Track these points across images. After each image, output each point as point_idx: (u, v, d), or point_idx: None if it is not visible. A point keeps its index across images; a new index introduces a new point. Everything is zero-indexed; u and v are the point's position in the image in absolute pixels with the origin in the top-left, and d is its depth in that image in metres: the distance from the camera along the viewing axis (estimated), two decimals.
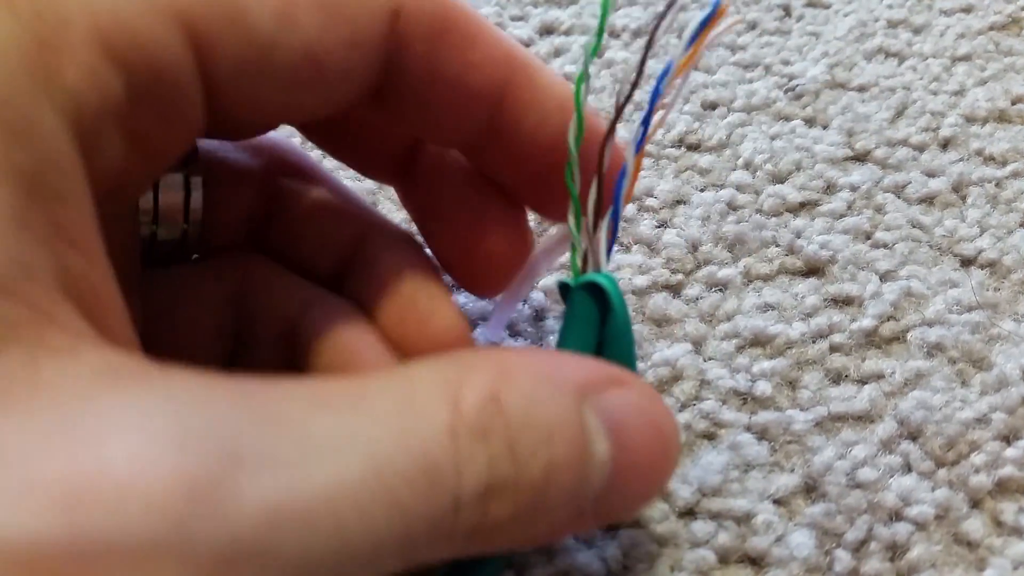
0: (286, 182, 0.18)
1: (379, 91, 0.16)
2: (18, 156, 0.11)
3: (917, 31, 0.30)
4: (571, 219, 0.16)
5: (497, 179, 0.18)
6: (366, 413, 0.12)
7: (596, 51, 0.16)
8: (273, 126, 0.17)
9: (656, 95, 0.16)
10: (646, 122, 0.16)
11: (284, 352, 0.17)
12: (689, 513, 0.19)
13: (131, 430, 0.10)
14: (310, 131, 0.19)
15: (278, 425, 0.11)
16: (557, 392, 0.14)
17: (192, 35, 0.13)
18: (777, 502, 0.19)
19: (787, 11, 0.30)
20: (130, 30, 0.12)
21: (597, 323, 0.17)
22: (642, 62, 0.15)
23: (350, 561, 0.11)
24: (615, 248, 0.21)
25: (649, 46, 0.15)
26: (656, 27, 0.15)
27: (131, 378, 0.11)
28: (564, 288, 0.17)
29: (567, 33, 0.29)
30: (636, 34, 0.29)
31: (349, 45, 0.14)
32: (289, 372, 0.17)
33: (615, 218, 0.16)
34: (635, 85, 0.16)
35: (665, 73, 0.16)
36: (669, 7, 0.15)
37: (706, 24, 0.16)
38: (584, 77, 0.16)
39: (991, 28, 0.30)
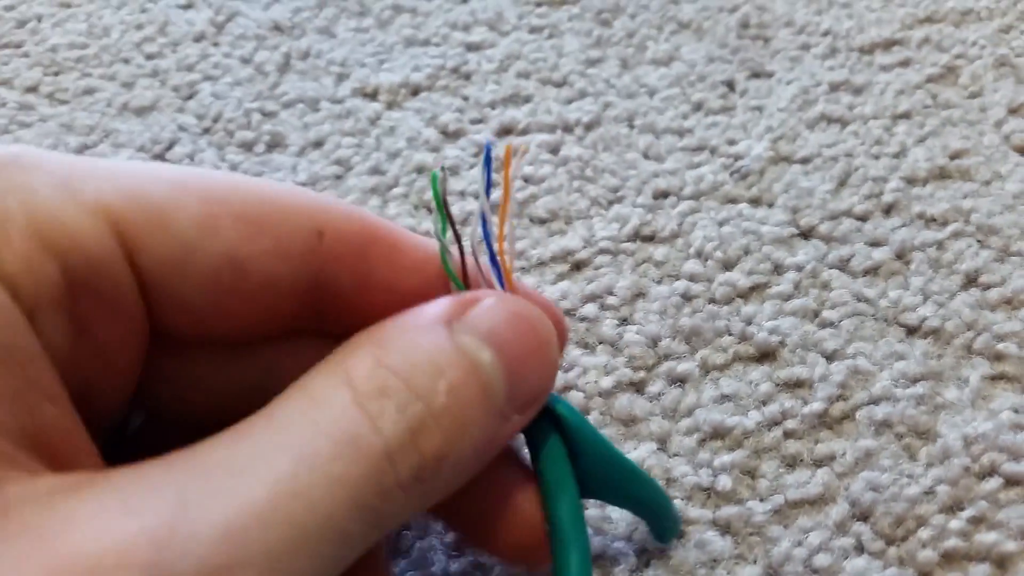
0: None
1: (312, 304, 0.17)
2: None
3: (858, 92, 0.32)
4: None
5: None
6: (280, 425, 0.14)
7: (444, 230, 0.17)
8: (213, 340, 0.18)
9: (488, 241, 0.18)
10: (493, 261, 0.18)
11: None
12: None
13: (89, 518, 0.13)
14: None
15: (208, 466, 0.13)
16: (427, 333, 0.16)
17: (120, 233, 0.15)
18: None
19: (731, 86, 0.32)
20: (64, 226, 0.14)
21: (559, 439, 0.18)
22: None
23: (318, 543, 0.13)
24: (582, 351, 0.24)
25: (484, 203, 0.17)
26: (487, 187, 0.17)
27: (80, 485, 0.13)
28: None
29: (524, 131, 0.31)
30: (588, 127, 0.31)
31: (272, 256, 0.16)
32: None
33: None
34: (461, 249, 0.18)
35: (484, 222, 0.17)
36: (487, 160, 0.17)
37: (488, 164, 0.17)
38: (445, 250, 0.18)
39: (928, 80, 0.32)
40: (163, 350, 0.17)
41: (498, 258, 0.18)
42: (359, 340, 0.16)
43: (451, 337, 0.16)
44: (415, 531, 0.22)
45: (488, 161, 0.17)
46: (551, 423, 0.18)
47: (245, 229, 0.16)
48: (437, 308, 0.16)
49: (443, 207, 0.17)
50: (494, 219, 0.18)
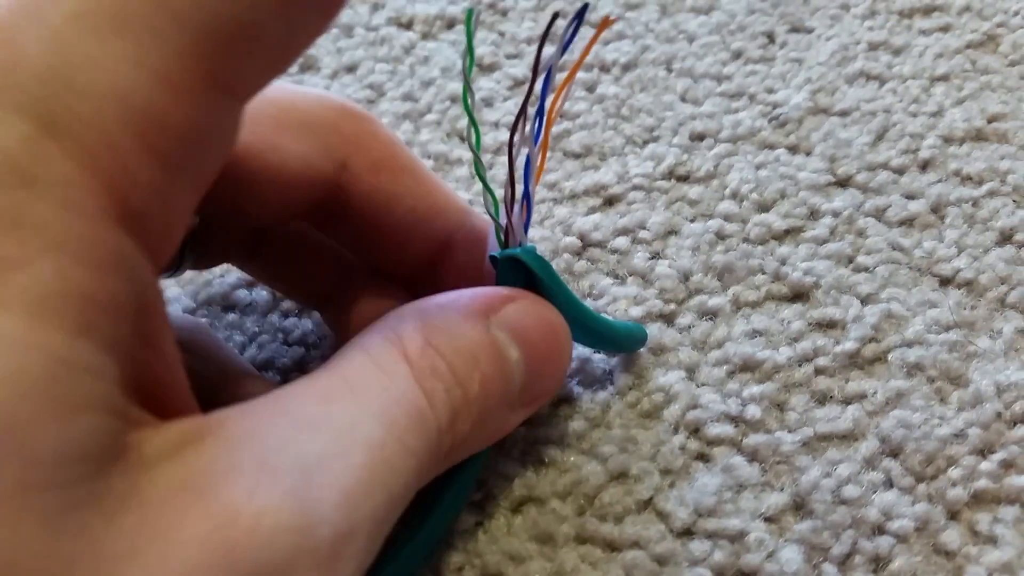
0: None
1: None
2: (112, 286, 0.12)
3: (897, 52, 0.31)
4: (489, 204, 0.19)
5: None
6: (359, 391, 0.15)
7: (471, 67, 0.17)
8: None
9: (544, 95, 0.18)
10: (540, 114, 0.18)
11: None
12: (686, 533, 0.20)
13: (229, 473, 0.13)
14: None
15: (305, 422, 0.14)
16: (469, 321, 0.17)
17: (224, 89, 0.13)
18: (768, 520, 0.20)
19: (771, 38, 0.32)
20: (171, 127, 0.12)
21: (524, 287, 0.19)
22: (534, 72, 0.17)
23: (399, 507, 0.15)
24: (617, 276, 0.23)
25: (538, 60, 0.17)
26: (541, 42, 0.17)
27: (202, 436, 0.13)
28: (493, 260, 0.19)
29: (560, 68, 0.30)
30: (626, 68, 0.30)
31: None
32: None
33: (527, 200, 0.19)
34: (528, 95, 0.17)
35: (548, 78, 0.17)
36: (551, 24, 0.17)
37: (576, 27, 0.17)
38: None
39: (968, 46, 0.32)
40: None
41: (544, 122, 0.18)
42: (408, 312, 0.17)
43: (488, 331, 0.17)
44: None
45: (578, 22, 0.17)
46: (521, 270, 0.19)
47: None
48: (480, 299, 0.18)
49: (471, 46, 0.17)
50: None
